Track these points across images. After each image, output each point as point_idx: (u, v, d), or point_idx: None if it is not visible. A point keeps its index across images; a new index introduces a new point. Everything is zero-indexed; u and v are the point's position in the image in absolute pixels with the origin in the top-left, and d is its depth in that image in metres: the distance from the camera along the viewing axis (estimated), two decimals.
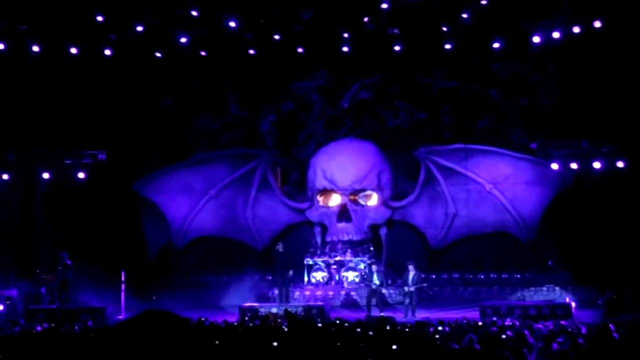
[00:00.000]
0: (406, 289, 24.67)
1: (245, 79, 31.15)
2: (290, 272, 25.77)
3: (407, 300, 24.53)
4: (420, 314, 23.38)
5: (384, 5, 26.48)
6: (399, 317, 22.81)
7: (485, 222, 30.28)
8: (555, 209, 29.15)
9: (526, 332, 13.93)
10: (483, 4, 26.16)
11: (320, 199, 31.02)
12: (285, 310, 24.02)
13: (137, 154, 30.75)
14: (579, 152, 27.01)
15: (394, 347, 10.97)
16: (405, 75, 30.59)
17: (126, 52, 27.79)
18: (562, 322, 17.68)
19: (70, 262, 25.85)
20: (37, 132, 27.89)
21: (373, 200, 30.84)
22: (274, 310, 23.44)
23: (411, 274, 24.81)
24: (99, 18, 25.76)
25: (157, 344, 4.38)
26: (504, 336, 13.47)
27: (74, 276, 26.00)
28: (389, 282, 28.10)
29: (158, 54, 28.64)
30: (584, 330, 15.38)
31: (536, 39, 26.90)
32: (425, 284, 26.03)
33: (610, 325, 14.95)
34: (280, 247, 26.48)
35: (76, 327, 18.45)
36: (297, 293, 27.93)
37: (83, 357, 11.22)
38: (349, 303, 27.78)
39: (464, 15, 26.58)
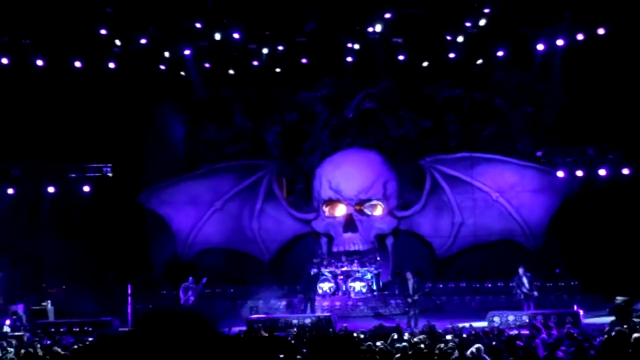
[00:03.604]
0: (409, 299, 23.91)
1: (250, 90, 31.20)
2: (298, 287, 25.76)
3: (412, 312, 23.55)
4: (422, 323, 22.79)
5: (388, 15, 26.48)
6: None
7: (492, 231, 30.23)
8: (562, 217, 29.12)
9: (537, 341, 13.84)
10: (486, 13, 26.14)
11: (326, 209, 30.97)
12: None
13: (142, 167, 30.77)
14: (585, 159, 26.98)
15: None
16: (410, 84, 30.61)
17: (130, 65, 27.81)
18: (570, 330, 17.56)
19: (193, 286, 25.72)
20: (42, 147, 27.90)
21: (379, 210, 30.79)
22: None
23: (410, 282, 24.02)
24: (103, 31, 25.82)
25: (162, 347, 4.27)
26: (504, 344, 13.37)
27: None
28: (396, 292, 27.87)
29: (162, 67, 28.67)
30: (596, 341, 15.25)
31: (540, 47, 26.91)
32: (427, 289, 25.28)
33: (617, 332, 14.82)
34: (314, 270, 26.46)
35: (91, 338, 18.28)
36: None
37: None
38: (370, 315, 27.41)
39: (468, 24, 26.58)
